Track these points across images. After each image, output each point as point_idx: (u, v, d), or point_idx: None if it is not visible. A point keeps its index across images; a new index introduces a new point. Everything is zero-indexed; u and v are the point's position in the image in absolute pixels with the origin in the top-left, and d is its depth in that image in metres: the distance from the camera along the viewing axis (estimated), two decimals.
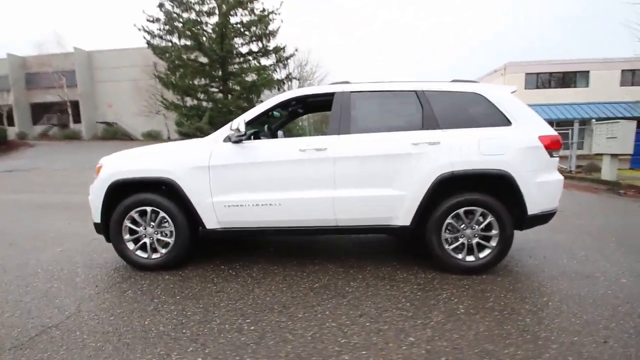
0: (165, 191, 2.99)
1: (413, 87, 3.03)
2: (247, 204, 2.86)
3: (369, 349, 1.87)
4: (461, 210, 2.90)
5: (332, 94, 3.04)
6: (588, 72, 23.46)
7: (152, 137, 30.35)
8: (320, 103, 4.04)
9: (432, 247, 2.92)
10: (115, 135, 29.49)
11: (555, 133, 3.02)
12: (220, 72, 19.16)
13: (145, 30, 18.38)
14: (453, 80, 3.16)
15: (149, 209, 2.91)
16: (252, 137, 2.99)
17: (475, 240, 2.95)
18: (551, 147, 2.93)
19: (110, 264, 3.22)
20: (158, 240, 2.99)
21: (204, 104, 19.23)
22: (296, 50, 19.43)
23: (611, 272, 3.03)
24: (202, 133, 17.02)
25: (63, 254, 3.54)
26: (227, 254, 3.56)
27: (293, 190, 2.86)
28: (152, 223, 2.94)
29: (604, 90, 23.23)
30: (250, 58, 19.72)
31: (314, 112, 4.59)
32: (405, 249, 3.68)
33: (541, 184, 2.90)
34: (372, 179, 2.87)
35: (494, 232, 2.92)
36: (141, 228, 2.96)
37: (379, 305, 2.40)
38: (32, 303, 2.47)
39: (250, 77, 19.03)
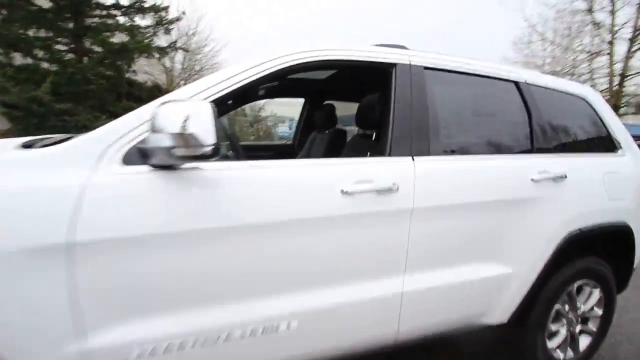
0: None
1: (512, 75, 1.72)
2: (209, 338, 1.06)
3: None
4: (574, 287, 1.80)
5: (389, 67, 1.48)
6: None
7: None
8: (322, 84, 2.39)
9: (534, 351, 1.72)
10: None
11: None
12: (72, 25, 14.38)
13: None
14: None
15: None
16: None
17: (578, 328, 1.90)
18: None
19: None
20: None
21: (45, 65, 14.16)
22: (183, 13, 16.03)
23: None
24: (40, 106, 12.32)
25: None
26: None
27: (323, 286, 1.21)
28: None
29: None
30: (118, 13, 15.43)
31: (282, 96, 2.86)
32: None
33: None
34: (468, 248, 1.51)
35: (596, 311, 1.93)
36: None
37: None
38: None
39: (120, 39, 14.91)
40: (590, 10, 13.09)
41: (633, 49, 12.33)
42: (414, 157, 1.47)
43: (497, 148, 1.66)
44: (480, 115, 1.73)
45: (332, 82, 2.47)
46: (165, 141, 1.04)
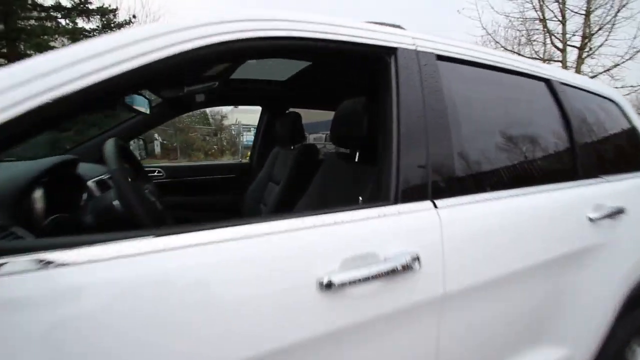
0: None
1: (542, 71, 1.26)
2: None
3: None
4: (626, 352, 1.37)
5: (384, 53, 0.91)
6: None
7: None
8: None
9: None
10: None
11: None
12: (1, 27, 12.96)
13: None
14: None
15: None
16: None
17: None
18: None
19: None
20: None
21: None
22: (134, 17, 14.95)
23: None
24: None
25: None
26: None
27: None
28: None
29: None
30: (59, 15, 14.17)
31: (228, 103, 2.27)
32: None
33: None
34: (517, 334, 0.96)
35: None
36: None
37: None
38: None
39: (61, 43, 13.68)
40: (541, 20, 13.65)
41: (583, 55, 12.97)
42: (435, 202, 0.89)
43: (541, 175, 1.18)
44: (516, 128, 1.24)
45: (296, 83, 1.90)
46: None
